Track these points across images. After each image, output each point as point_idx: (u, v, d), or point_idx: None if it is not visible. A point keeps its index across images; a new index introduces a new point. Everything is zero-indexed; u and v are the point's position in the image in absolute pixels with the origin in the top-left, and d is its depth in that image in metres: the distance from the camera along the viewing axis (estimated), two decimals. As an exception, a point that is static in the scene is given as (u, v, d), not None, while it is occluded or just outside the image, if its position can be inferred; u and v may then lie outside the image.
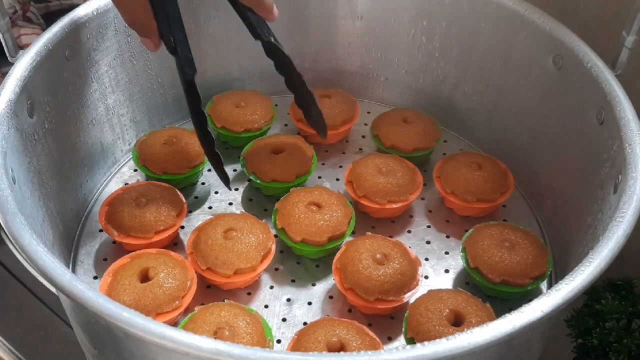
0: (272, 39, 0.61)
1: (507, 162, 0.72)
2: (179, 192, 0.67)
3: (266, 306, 0.62)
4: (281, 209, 0.65)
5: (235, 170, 0.75)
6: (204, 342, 0.39)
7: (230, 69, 0.81)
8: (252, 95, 0.77)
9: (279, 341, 0.60)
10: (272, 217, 0.66)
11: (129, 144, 0.76)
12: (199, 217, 0.69)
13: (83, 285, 0.43)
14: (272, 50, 0.63)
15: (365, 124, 0.80)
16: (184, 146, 0.70)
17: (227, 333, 0.54)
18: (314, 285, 0.64)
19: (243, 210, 0.68)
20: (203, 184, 0.73)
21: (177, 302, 0.58)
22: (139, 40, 0.59)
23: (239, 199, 0.72)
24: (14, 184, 0.52)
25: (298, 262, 0.66)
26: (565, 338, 0.60)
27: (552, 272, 0.64)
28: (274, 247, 0.63)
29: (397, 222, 0.70)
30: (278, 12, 0.61)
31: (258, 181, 0.69)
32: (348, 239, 0.65)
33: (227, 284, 0.61)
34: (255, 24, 0.61)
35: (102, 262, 0.65)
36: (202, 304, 0.57)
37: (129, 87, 0.73)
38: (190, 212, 0.70)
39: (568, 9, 0.71)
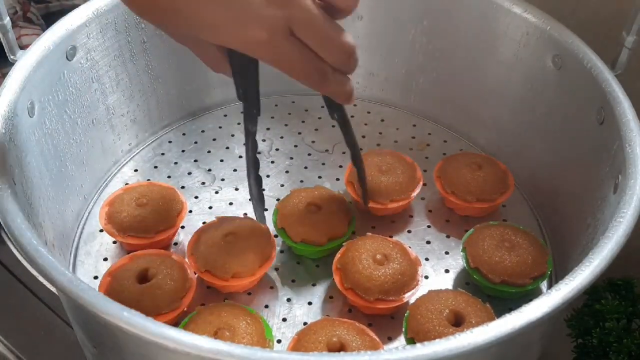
0: (336, 116, 0.59)
1: (507, 162, 0.72)
2: (179, 192, 0.67)
3: (266, 306, 0.62)
4: (281, 209, 0.65)
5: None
6: (204, 342, 0.39)
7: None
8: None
9: (279, 341, 0.60)
10: (273, 217, 0.66)
11: (129, 144, 0.76)
12: (199, 217, 0.69)
13: (83, 285, 0.43)
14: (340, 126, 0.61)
15: (366, 124, 0.80)
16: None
17: (227, 333, 0.54)
18: (314, 285, 0.64)
19: (243, 210, 0.68)
20: (203, 184, 0.73)
21: (176, 303, 0.58)
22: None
23: (239, 199, 0.72)
24: (14, 184, 0.52)
25: (298, 262, 0.66)
26: (565, 338, 0.60)
27: (552, 272, 0.64)
28: (274, 252, 0.62)
29: (397, 222, 0.70)
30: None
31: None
32: (348, 239, 0.65)
33: (225, 287, 0.61)
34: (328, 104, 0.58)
35: (102, 262, 0.65)
36: (202, 305, 0.57)
37: (129, 87, 0.73)
38: (190, 212, 0.70)
39: (567, 9, 0.71)
